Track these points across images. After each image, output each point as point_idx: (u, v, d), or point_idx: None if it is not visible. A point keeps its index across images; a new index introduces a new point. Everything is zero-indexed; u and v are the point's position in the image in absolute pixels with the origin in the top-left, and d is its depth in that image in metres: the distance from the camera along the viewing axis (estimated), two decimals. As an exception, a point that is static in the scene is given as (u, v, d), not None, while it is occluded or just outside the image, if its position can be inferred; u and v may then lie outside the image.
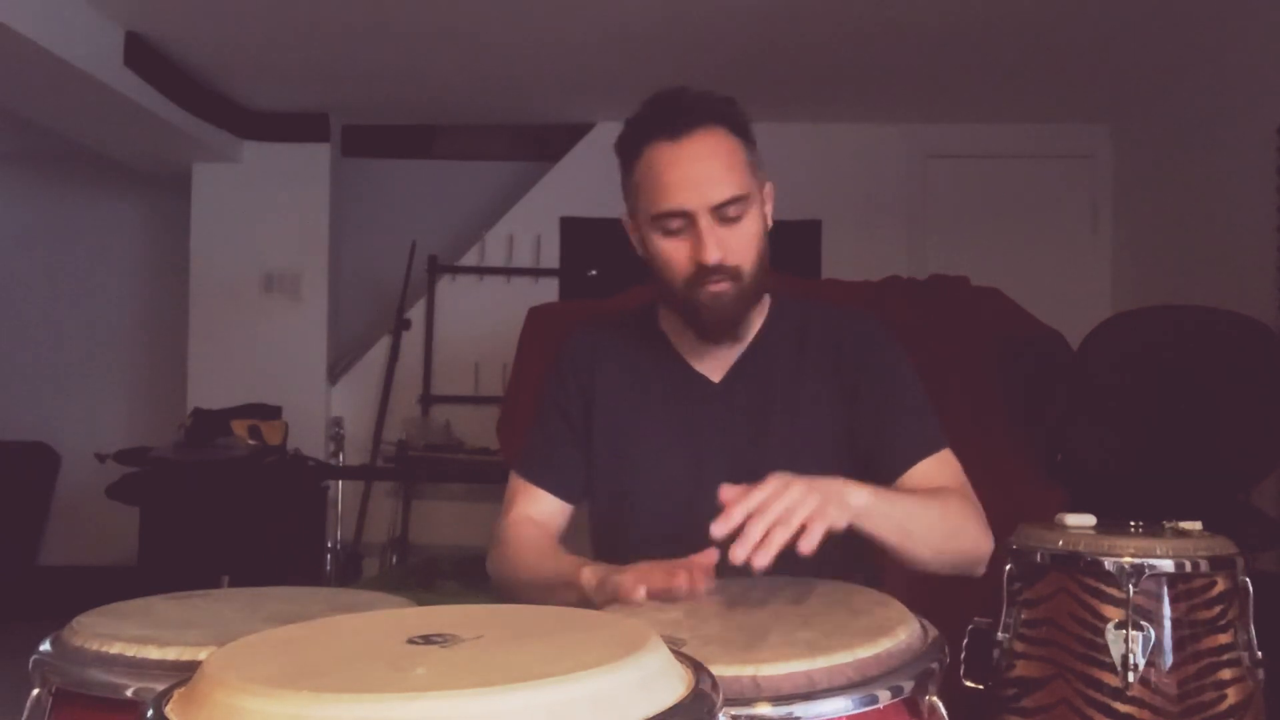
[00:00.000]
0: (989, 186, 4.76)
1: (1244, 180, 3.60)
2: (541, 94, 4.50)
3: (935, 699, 0.95)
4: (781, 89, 4.16)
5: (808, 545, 1.06)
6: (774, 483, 1.11)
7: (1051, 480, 2.80)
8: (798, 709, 0.86)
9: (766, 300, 1.55)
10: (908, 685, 0.93)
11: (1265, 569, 2.12)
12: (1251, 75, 3.58)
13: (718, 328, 1.46)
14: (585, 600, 1.24)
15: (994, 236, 4.69)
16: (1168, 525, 1.82)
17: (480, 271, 4.86)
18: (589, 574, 1.27)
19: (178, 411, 4.57)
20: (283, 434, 4.34)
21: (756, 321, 1.53)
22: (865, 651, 0.94)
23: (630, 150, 1.43)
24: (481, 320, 4.74)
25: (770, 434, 1.46)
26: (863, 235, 4.67)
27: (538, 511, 1.54)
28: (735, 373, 1.51)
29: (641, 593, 1.14)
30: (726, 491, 1.12)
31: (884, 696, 0.90)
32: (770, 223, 1.47)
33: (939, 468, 1.42)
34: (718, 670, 0.84)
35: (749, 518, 1.07)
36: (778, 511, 1.08)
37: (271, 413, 4.42)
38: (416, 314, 4.86)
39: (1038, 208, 4.76)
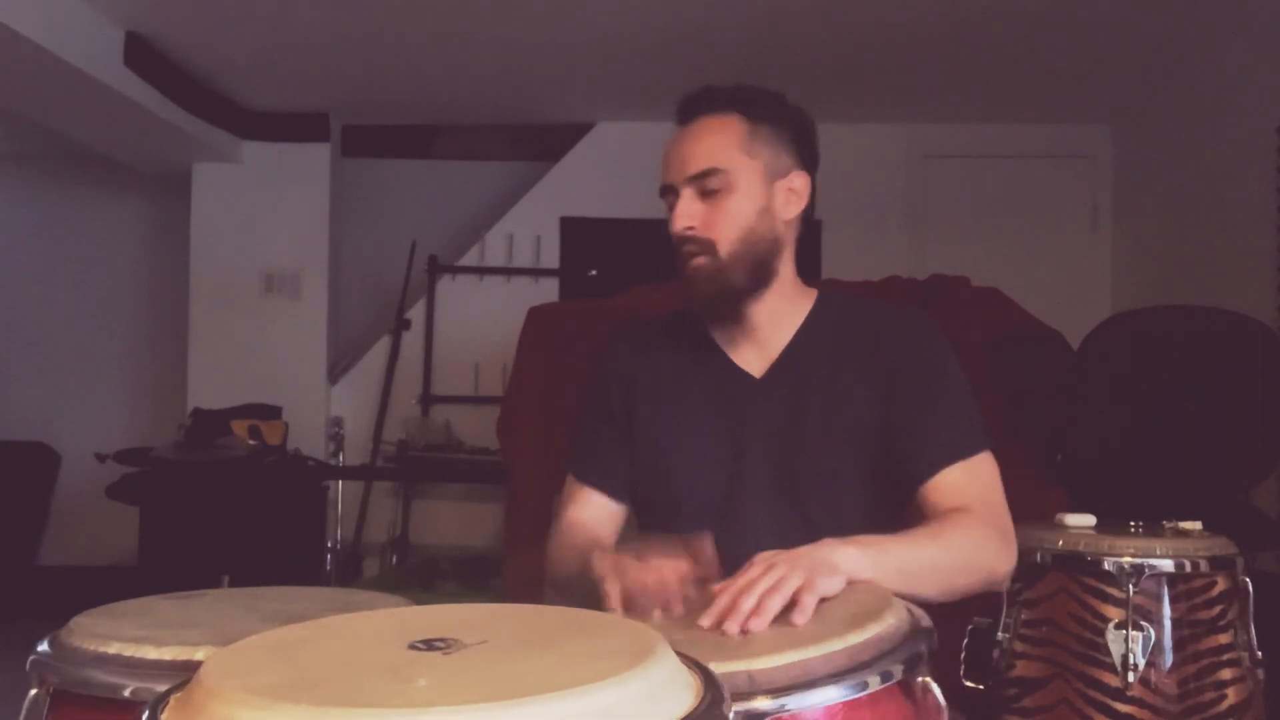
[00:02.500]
0: (989, 186, 4.76)
1: (1244, 180, 3.60)
2: (541, 94, 4.50)
3: (929, 680, 0.95)
4: (781, 89, 4.15)
5: (801, 617, 1.04)
6: (759, 564, 1.11)
7: (1051, 480, 2.80)
8: (792, 700, 0.87)
9: (812, 296, 1.55)
10: (897, 669, 0.93)
11: (1265, 569, 2.11)
12: (1251, 75, 3.58)
13: (698, 304, 1.47)
14: None
15: (994, 236, 4.69)
16: (1168, 525, 1.82)
17: (480, 271, 4.86)
18: (599, 560, 1.27)
19: (178, 411, 4.57)
20: (283, 434, 4.33)
21: (799, 316, 1.52)
22: (856, 638, 0.95)
23: None
24: (481, 320, 4.74)
25: (810, 430, 1.45)
26: (863, 235, 4.67)
27: (589, 515, 1.54)
28: (777, 368, 1.50)
29: (615, 603, 1.15)
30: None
31: (873, 681, 0.91)
32: (788, 214, 1.47)
33: (968, 475, 1.39)
34: (718, 666, 0.84)
35: (739, 595, 1.06)
36: (767, 585, 1.07)
37: (271, 413, 4.41)
38: (416, 314, 4.86)
39: (1038, 208, 4.76)
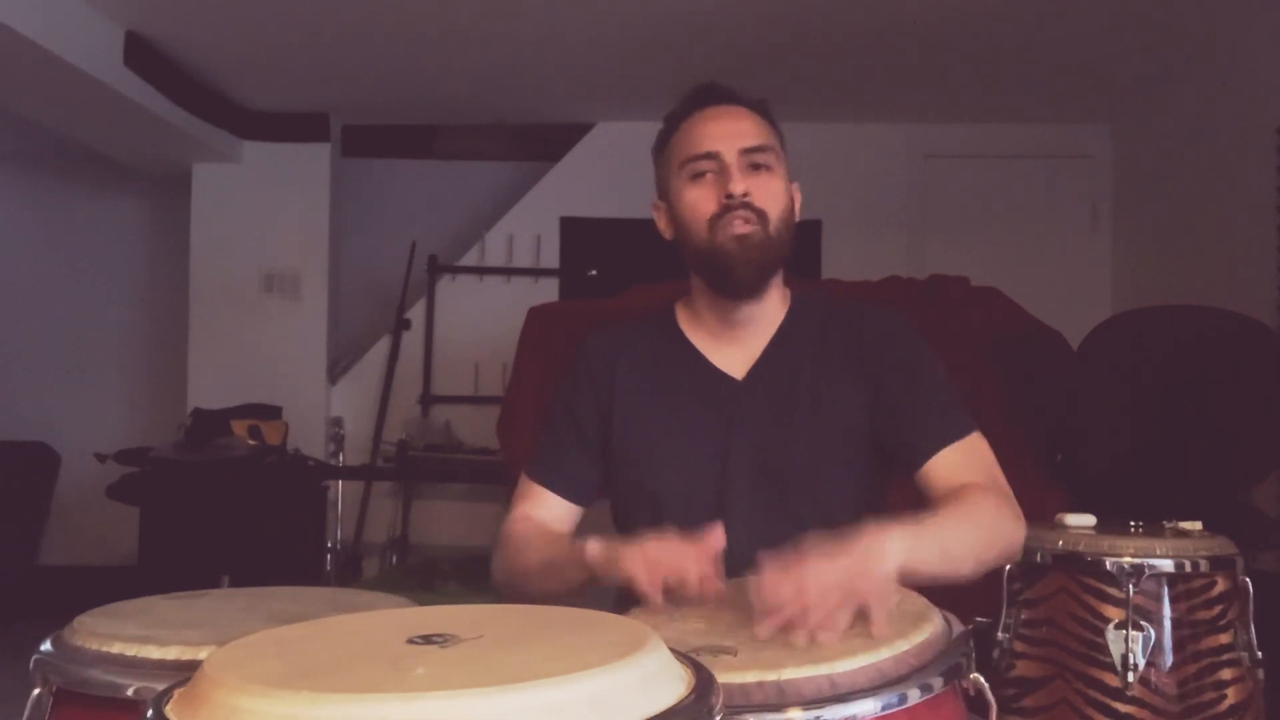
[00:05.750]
0: (989, 186, 4.76)
1: (1244, 180, 3.60)
2: (541, 94, 4.50)
3: (979, 677, 0.98)
4: (781, 89, 4.13)
5: (878, 629, 1.00)
6: (814, 562, 1.04)
7: (1051, 480, 2.80)
8: (868, 702, 0.87)
9: (788, 296, 1.56)
10: (966, 663, 0.96)
11: (1265, 569, 2.12)
12: (1251, 75, 3.59)
13: (741, 273, 1.44)
14: (593, 579, 1.25)
15: (994, 236, 4.69)
16: (1168, 525, 1.82)
17: (480, 271, 4.86)
18: (594, 548, 1.25)
19: (178, 411, 4.57)
20: (283, 434, 4.34)
21: (778, 317, 1.53)
22: (919, 637, 0.96)
23: (666, 131, 1.52)
24: (481, 320, 4.74)
25: (795, 429, 1.46)
26: (863, 235, 4.67)
27: (542, 512, 1.54)
28: (758, 369, 1.50)
29: (659, 598, 1.11)
30: (767, 574, 1.04)
31: (937, 684, 0.93)
32: (796, 215, 1.53)
33: (964, 455, 1.40)
34: (790, 673, 0.86)
35: (804, 602, 1.01)
36: (834, 596, 1.01)
37: (271, 413, 4.42)
38: (416, 314, 4.86)
39: (1038, 208, 4.76)
